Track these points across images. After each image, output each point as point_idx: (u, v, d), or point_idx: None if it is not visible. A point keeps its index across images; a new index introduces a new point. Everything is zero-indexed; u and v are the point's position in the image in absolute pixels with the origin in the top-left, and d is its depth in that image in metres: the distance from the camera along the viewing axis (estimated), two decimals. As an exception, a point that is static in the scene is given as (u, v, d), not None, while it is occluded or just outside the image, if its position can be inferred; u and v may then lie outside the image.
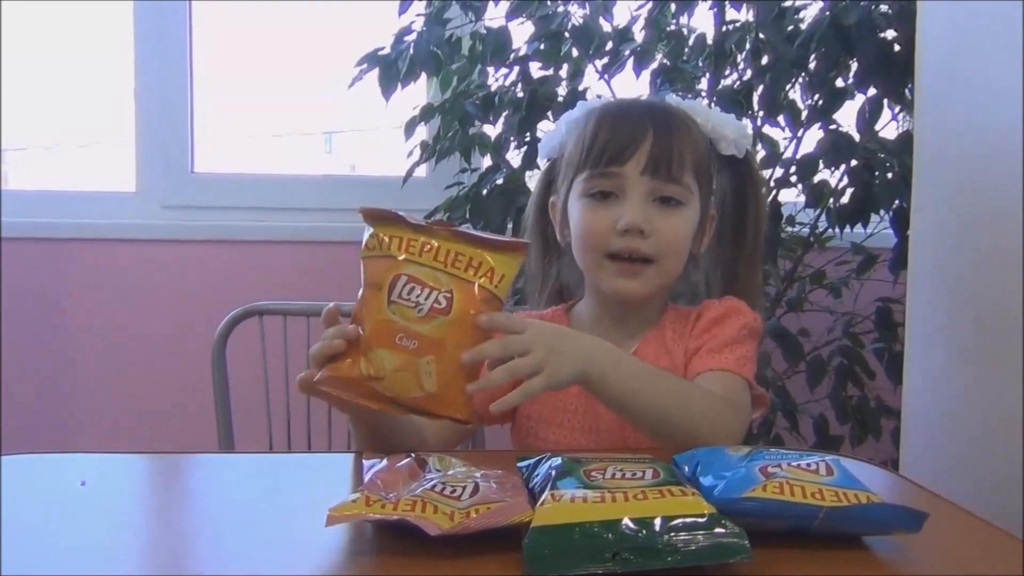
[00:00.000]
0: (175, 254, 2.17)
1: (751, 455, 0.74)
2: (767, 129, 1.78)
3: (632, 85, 1.82)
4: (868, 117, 1.70)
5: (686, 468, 0.77)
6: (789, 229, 1.86)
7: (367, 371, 0.82)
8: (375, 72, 1.80)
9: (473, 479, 0.72)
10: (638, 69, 1.77)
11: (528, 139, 1.83)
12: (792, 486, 0.66)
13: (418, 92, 1.96)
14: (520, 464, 0.79)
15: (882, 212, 1.77)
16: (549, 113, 1.78)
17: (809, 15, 1.75)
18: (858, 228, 1.80)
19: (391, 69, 1.79)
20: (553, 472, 0.72)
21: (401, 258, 0.84)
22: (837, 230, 1.80)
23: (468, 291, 0.82)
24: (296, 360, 1.55)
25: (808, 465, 0.70)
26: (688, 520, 0.61)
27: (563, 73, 1.84)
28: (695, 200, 1.09)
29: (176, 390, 2.13)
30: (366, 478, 0.73)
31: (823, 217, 1.84)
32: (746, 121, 1.73)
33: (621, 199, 1.05)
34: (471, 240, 0.84)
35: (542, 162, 1.24)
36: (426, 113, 1.87)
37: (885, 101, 1.70)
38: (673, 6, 1.81)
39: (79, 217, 2.17)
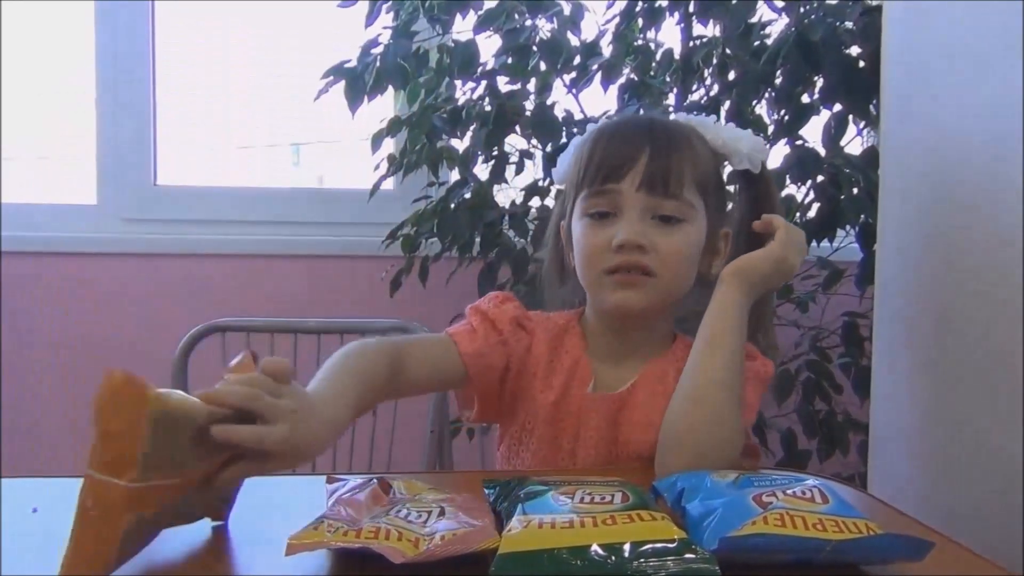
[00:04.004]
0: (137, 268, 2.13)
1: (739, 481, 0.73)
2: (734, 144, 1.78)
3: (600, 100, 1.83)
4: (834, 133, 1.71)
5: (667, 496, 0.76)
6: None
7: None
8: (342, 84, 1.79)
9: (439, 504, 0.70)
10: (606, 84, 1.77)
11: (496, 153, 1.82)
12: (793, 517, 0.65)
13: (386, 105, 1.95)
14: (487, 489, 0.78)
15: (848, 227, 1.78)
16: (517, 127, 1.78)
17: (775, 31, 1.76)
18: (824, 243, 1.81)
19: (357, 82, 1.77)
20: (521, 495, 0.70)
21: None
22: (804, 245, 1.81)
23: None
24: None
25: (803, 493, 0.70)
26: (658, 545, 0.61)
27: (531, 87, 1.84)
28: (699, 216, 1.06)
29: (137, 407, 2.09)
30: (328, 503, 0.71)
31: (790, 232, 1.84)
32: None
33: (619, 217, 1.04)
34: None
35: (556, 187, 1.22)
36: (393, 126, 1.86)
37: (850, 117, 1.71)
38: (640, 21, 1.82)
39: (38, 230, 2.13)
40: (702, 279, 1.09)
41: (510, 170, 1.84)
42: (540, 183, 1.83)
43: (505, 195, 1.98)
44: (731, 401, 0.97)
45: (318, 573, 0.66)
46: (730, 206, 1.16)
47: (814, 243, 1.79)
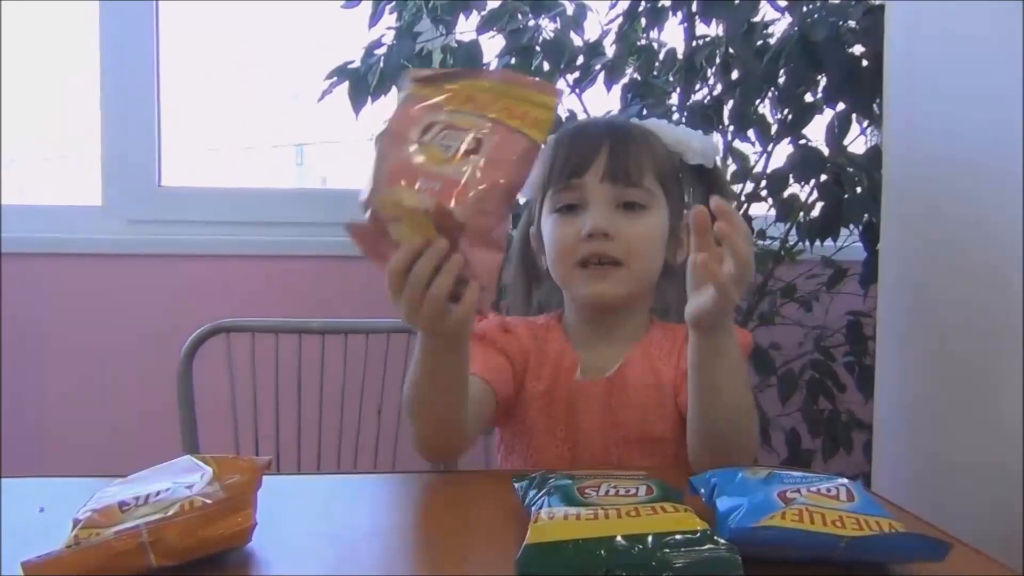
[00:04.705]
0: (141, 269, 2.13)
1: (769, 478, 0.74)
2: (737, 143, 1.79)
3: (603, 100, 1.83)
4: (837, 132, 1.72)
5: (702, 491, 0.76)
6: (760, 243, 1.87)
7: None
8: (346, 85, 1.79)
9: (478, 134, 0.75)
10: (609, 84, 1.78)
11: (500, 153, 1.82)
12: (812, 513, 0.66)
13: (389, 105, 1.95)
14: (516, 483, 0.78)
15: (852, 226, 1.79)
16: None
17: (778, 31, 1.76)
18: (828, 242, 1.82)
19: (361, 83, 1.78)
20: (548, 489, 0.71)
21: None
22: (807, 244, 1.82)
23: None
24: (264, 379, 1.53)
25: (828, 490, 0.70)
26: (681, 537, 0.61)
27: (534, 87, 1.84)
28: (661, 204, 1.11)
29: (140, 410, 2.09)
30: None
31: (793, 231, 1.85)
32: (717, 136, 1.74)
33: (586, 209, 1.08)
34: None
35: (523, 199, 1.25)
36: (397, 127, 1.86)
37: (853, 116, 1.72)
38: (643, 21, 1.82)
39: (43, 232, 2.13)
40: (669, 269, 1.14)
41: (513, 170, 1.84)
42: (543, 182, 1.83)
43: (508, 195, 1.98)
44: (750, 416, 0.98)
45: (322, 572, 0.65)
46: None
47: (818, 242, 1.80)
